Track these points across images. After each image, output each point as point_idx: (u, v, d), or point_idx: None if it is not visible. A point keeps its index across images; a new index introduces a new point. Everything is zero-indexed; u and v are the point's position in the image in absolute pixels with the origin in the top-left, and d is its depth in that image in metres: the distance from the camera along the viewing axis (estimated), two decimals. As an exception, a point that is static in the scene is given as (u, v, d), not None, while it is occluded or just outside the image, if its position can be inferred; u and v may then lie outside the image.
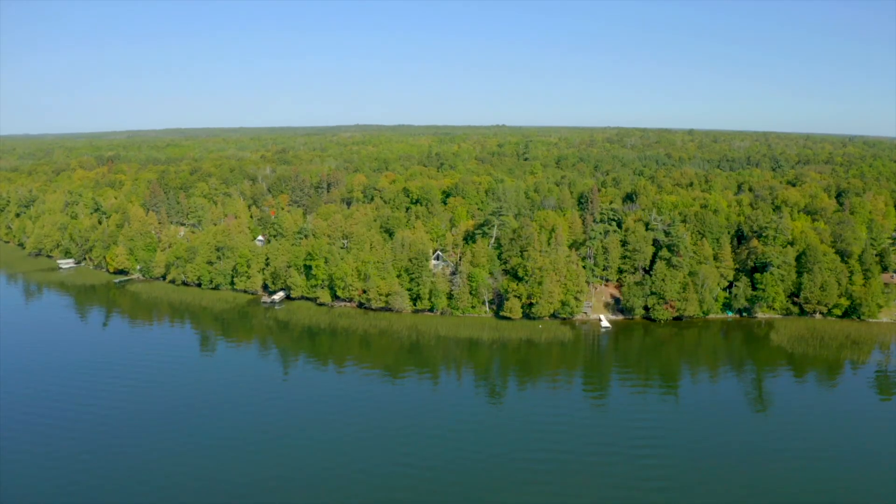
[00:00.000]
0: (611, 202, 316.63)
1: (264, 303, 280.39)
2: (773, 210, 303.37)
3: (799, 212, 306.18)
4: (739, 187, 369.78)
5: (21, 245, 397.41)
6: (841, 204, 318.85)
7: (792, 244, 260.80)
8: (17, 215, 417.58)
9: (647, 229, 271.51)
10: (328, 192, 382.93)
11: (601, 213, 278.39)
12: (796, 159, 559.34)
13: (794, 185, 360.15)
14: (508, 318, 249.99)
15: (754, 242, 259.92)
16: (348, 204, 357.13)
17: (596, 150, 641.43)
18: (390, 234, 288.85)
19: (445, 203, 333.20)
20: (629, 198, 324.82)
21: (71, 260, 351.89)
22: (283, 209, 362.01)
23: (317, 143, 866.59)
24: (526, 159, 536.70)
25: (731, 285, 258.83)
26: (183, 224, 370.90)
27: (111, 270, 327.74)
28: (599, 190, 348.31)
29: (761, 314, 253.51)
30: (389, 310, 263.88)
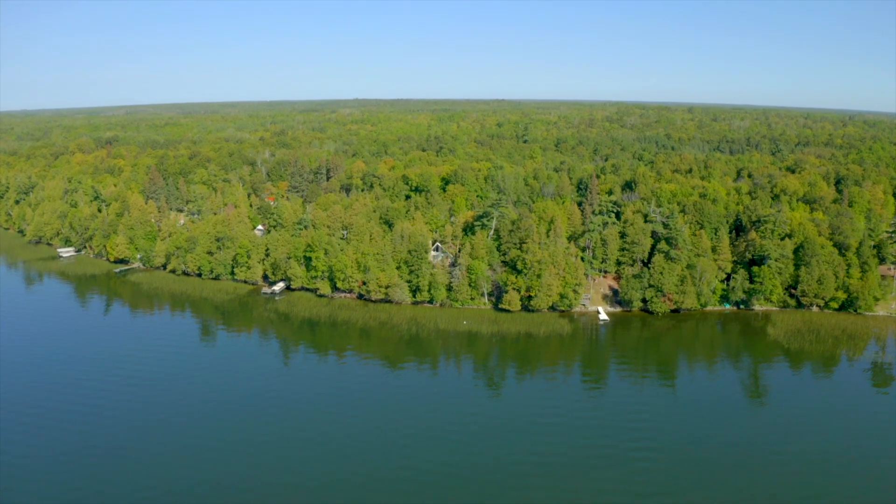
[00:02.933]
0: (610, 191, 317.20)
1: (265, 293, 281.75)
2: (772, 199, 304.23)
3: (798, 200, 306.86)
4: (739, 173, 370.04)
5: (21, 232, 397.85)
6: (840, 192, 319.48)
7: (790, 236, 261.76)
8: (17, 202, 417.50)
9: (645, 221, 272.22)
10: (327, 179, 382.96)
11: (600, 205, 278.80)
12: (796, 140, 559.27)
13: (793, 172, 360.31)
14: (507, 311, 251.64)
15: (752, 235, 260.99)
16: (347, 191, 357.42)
17: (595, 132, 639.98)
18: (390, 225, 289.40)
19: (444, 190, 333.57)
20: (628, 186, 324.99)
21: (71, 248, 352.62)
22: (282, 196, 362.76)
23: (315, 121, 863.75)
24: (525, 141, 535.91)
25: (728, 277, 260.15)
26: (182, 210, 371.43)
27: (111, 259, 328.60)
28: (598, 177, 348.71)
29: (759, 307, 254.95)
30: (389, 301, 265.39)
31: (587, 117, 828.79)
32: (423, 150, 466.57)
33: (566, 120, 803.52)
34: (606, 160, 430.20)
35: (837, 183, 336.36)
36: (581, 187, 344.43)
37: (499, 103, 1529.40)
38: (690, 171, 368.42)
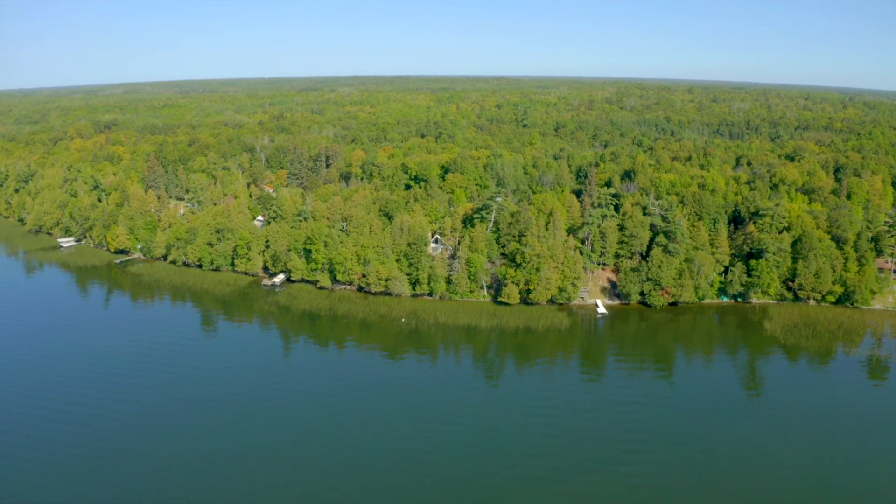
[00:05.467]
0: (609, 180, 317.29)
1: (265, 285, 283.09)
2: (771, 189, 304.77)
3: (796, 191, 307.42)
4: (738, 161, 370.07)
5: (21, 221, 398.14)
6: (839, 181, 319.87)
7: (788, 229, 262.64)
8: (16, 190, 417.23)
9: (644, 214, 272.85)
10: (327, 166, 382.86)
11: (598, 198, 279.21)
12: (796, 124, 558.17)
13: (792, 160, 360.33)
14: (506, 304, 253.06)
15: (751, 228, 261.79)
16: (346, 179, 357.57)
17: (594, 114, 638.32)
18: (389, 217, 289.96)
19: (444, 178, 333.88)
20: (627, 175, 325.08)
21: (72, 238, 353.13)
22: (282, 185, 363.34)
23: (314, 102, 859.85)
24: (525, 126, 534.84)
25: (726, 270, 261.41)
26: (182, 199, 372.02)
27: (112, 250, 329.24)
28: (598, 165, 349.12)
29: (756, 300, 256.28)
30: (389, 294, 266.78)
31: (587, 98, 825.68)
32: (423, 136, 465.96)
33: (566, 101, 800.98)
34: (606, 147, 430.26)
35: (836, 171, 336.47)
36: (580, 175, 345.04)
37: (498, 81, 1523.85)
38: (690, 158, 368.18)
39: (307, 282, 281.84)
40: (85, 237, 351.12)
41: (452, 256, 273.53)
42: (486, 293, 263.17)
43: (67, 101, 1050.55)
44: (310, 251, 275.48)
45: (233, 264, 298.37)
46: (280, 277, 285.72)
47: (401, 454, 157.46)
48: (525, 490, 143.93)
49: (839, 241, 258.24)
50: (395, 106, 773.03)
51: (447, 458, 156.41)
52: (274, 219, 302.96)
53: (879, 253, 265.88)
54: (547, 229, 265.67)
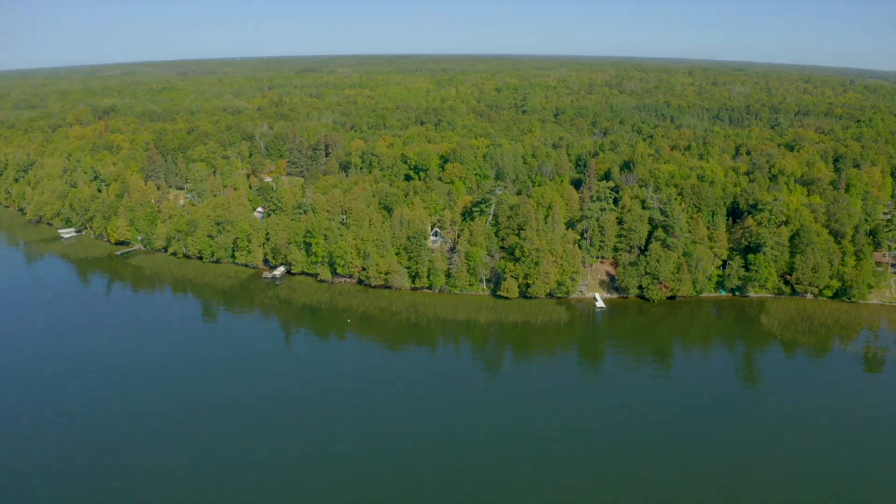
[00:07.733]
0: (608, 172, 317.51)
1: (265, 278, 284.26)
2: (770, 180, 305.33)
3: (795, 182, 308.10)
4: (737, 150, 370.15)
5: (21, 210, 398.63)
6: (838, 171, 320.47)
7: (786, 223, 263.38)
8: (16, 180, 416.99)
9: (643, 207, 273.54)
10: (326, 155, 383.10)
11: (597, 192, 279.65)
12: (796, 109, 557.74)
13: (791, 149, 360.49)
14: (505, 298, 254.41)
15: (749, 222, 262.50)
16: (346, 169, 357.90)
17: (594, 99, 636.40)
18: (389, 210, 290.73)
19: (443, 168, 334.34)
20: (626, 166, 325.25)
21: (72, 229, 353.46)
22: (282, 175, 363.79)
23: (313, 85, 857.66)
24: (524, 112, 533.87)
25: (724, 264, 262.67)
26: (181, 189, 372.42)
27: (112, 241, 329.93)
28: (597, 155, 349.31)
29: (753, 294, 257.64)
30: (388, 287, 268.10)
31: (586, 82, 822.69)
32: (422, 124, 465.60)
33: (565, 84, 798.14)
34: (605, 134, 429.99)
35: (836, 161, 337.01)
36: (580, 164, 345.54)
37: (498, 61, 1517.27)
38: (689, 147, 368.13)
39: (307, 274, 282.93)
40: (85, 228, 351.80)
41: (452, 250, 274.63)
42: (485, 287, 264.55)
43: (66, 83, 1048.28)
44: (310, 244, 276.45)
45: (233, 256, 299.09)
46: (280, 270, 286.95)
47: (398, 450, 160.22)
48: (522, 485, 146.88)
49: (837, 235, 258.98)
50: (395, 89, 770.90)
51: (445, 453, 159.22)
52: (274, 211, 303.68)
53: (877, 246, 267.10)
54: (546, 223, 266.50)
